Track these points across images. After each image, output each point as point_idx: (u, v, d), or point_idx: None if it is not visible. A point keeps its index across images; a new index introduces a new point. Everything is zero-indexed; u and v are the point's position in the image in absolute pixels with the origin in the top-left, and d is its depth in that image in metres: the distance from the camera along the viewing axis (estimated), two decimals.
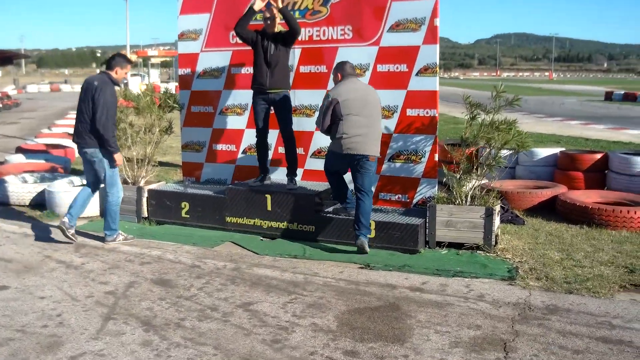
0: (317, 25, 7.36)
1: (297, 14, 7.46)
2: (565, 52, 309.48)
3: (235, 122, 8.19)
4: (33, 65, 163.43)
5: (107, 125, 6.40)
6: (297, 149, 7.30)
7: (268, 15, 7.01)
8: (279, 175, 7.61)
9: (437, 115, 6.94)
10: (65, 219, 6.78)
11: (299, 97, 7.66)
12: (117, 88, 6.71)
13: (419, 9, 6.85)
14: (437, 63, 6.86)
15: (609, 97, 42.28)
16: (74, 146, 13.29)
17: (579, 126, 21.45)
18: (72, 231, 6.81)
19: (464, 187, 6.49)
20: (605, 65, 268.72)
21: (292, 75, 7.49)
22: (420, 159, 7.02)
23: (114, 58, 6.66)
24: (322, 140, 7.36)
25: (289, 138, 7.17)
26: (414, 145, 7.05)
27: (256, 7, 7.03)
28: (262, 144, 7.35)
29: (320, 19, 7.39)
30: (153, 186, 8.09)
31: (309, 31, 7.50)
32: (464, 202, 6.48)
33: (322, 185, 7.30)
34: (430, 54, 6.86)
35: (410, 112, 7.02)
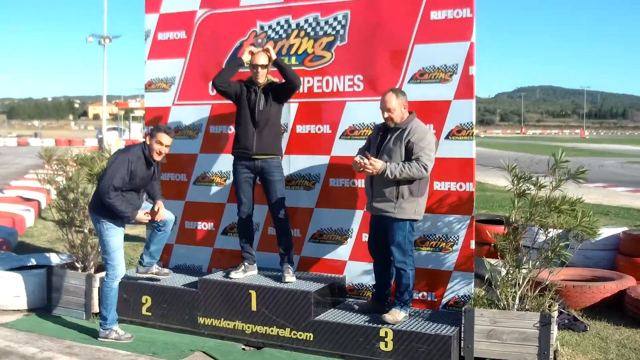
0: (319, 74, 6.93)
1: (293, 60, 7.02)
2: (597, 107, 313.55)
3: (214, 194, 7.64)
4: (3, 115, 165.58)
5: (106, 193, 6.31)
6: (291, 231, 6.83)
7: (258, 62, 6.56)
8: (269, 263, 7.02)
9: (473, 190, 6.36)
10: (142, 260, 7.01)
11: (295, 164, 7.14)
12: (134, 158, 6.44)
13: (449, 54, 6.35)
14: (474, 123, 6.34)
15: None
16: (26, 214, 13.15)
17: (627, 194, 20.86)
18: (154, 269, 7.00)
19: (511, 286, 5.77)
20: None
21: (285, 136, 7.05)
22: (451, 246, 6.42)
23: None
24: (324, 220, 6.97)
25: (282, 217, 6.69)
26: (444, 229, 6.46)
27: (245, 59, 6.68)
28: (245, 224, 6.86)
29: (323, 66, 6.95)
30: (103, 274, 7.16)
31: (308, 81, 7.03)
32: (511, 304, 5.77)
33: (323, 279, 6.72)
34: (465, 111, 6.34)
35: (438, 185, 6.44)
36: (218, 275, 6.85)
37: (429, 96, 6.44)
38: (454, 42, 6.32)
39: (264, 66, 6.58)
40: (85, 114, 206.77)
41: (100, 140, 42.36)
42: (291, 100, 6.89)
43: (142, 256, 7.02)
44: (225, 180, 7.53)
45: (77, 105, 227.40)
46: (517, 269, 5.81)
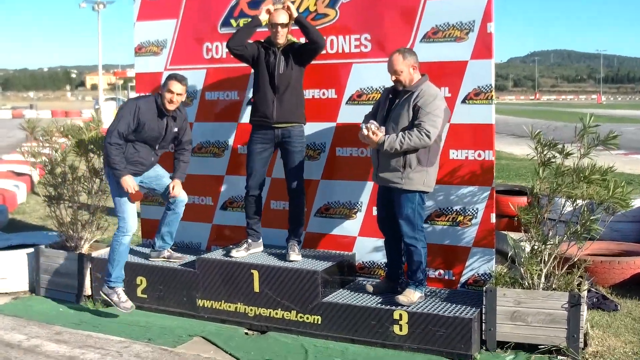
0: (323, 33, 6.58)
1: None
2: (614, 72, 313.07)
3: (212, 165, 7.46)
4: None
5: (109, 136, 6.35)
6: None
7: (278, 21, 6.29)
8: (272, 240, 6.87)
9: (493, 158, 6.14)
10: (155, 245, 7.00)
11: None
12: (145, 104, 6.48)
13: (465, 9, 6.11)
14: (493, 85, 6.11)
15: None
16: (18, 190, 13.06)
17: None
18: (166, 253, 6.96)
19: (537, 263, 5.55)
20: None
21: None
22: (470, 220, 6.23)
23: None
24: (330, 193, 6.83)
25: (298, 190, 6.55)
26: (461, 201, 6.27)
27: (263, 18, 6.37)
28: (255, 200, 6.66)
29: (327, 25, 6.69)
30: (100, 253, 7.29)
31: None
32: (536, 283, 5.56)
33: (331, 257, 6.55)
34: (483, 73, 6.11)
35: (454, 154, 6.25)
36: (217, 254, 6.68)
37: (443, 56, 6.22)
38: None
39: (284, 25, 6.29)
40: (82, 84, 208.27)
41: (97, 112, 42.09)
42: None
43: (155, 239, 6.97)
44: (223, 151, 7.36)
45: (74, 76, 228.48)
46: (543, 245, 5.58)
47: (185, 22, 7.44)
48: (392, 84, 5.79)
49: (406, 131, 5.50)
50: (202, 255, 6.67)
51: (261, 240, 6.75)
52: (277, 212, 6.86)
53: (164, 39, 7.54)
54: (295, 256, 6.37)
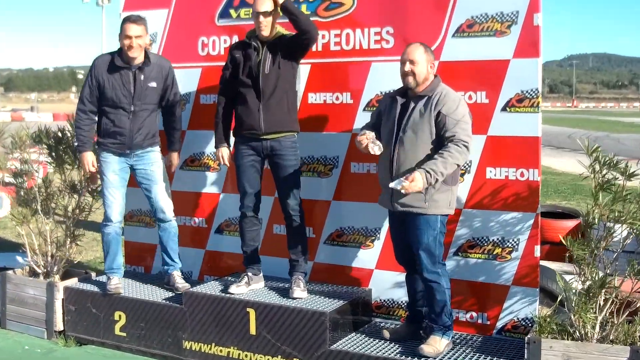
0: (337, 26, 6.44)
1: (303, 9, 6.49)
2: None
3: (207, 181, 7.26)
4: (0, 87, 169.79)
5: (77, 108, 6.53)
6: (306, 231, 6.45)
7: (260, 9, 5.96)
8: (274, 271, 6.65)
9: (539, 179, 5.78)
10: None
11: (306, 144, 6.62)
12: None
13: None
14: (540, 90, 5.76)
15: None
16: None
17: None
18: (171, 278, 6.77)
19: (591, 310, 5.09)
20: None
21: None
22: (509, 252, 5.86)
23: None
24: (344, 216, 6.54)
25: (295, 213, 6.19)
26: (499, 230, 5.92)
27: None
28: (249, 223, 6.35)
29: (343, 15, 6.43)
30: (73, 282, 7.02)
31: (323, 36, 6.53)
32: (590, 333, 5.06)
33: (343, 294, 6.23)
34: (528, 74, 5.75)
35: (491, 172, 5.92)
36: (209, 287, 6.38)
37: (479, 54, 5.89)
38: None
39: (267, 13, 5.91)
40: None
41: None
42: (301, 60, 6.36)
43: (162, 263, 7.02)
44: (220, 165, 7.00)
45: (80, 76, 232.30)
46: (599, 288, 5.11)
47: (177, 13, 7.34)
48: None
49: (441, 152, 5.05)
50: (191, 289, 6.38)
51: (262, 273, 6.50)
52: (282, 238, 6.51)
53: (154, 32, 7.30)
54: (300, 292, 6.01)
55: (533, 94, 5.68)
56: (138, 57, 6.26)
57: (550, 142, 30.68)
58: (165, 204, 6.59)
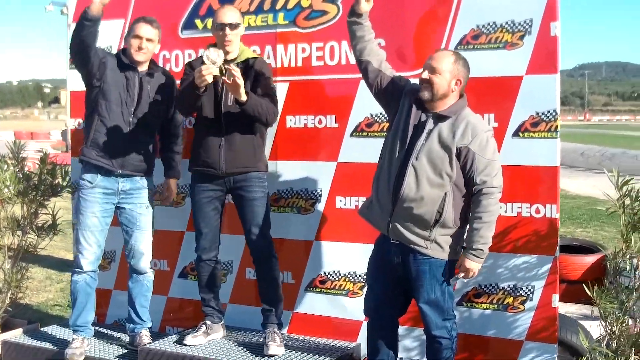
0: (320, 38, 6.24)
1: (281, 19, 6.36)
2: None
3: (169, 218, 7.02)
4: None
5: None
6: (280, 276, 6.18)
7: (224, 20, 5.69)
8: (246, 322, 6.50)
9: (557, 216, 5.56)
10: None
11: (284, 175, 6.52)
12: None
13: (518, 3, 5.62)
14: (558, 111, 5.53)
15: None
16: None
17: None
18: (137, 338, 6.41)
19: None
20: None
21: (270, 133, 6.39)
22: (523, 302, 5.68)
23: None
24: (327, 259, 6.33)
25: (265, 254, 5.96)
26: (510, 276, 5.75)
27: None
28: (206, 266, 6.15)
29: (326, 26, 6.24)
30: (13, 334, 6.82)
31: (303, 50, 6.37)
32: None
33: (328, 349, 6.06)
34: (544, 94, 5.53)
35: (502, 208, 5.60)
36: (167, 343, 6.11)
37: (486, 70, 5.64)
38: None
39: (233, 26, 5.64)
40: (57, 100, 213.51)
41: (64, 134, 42.44)
42: (278, 78, 6.23)
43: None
44: (183, 198, 6.91)
45: (47, 90, 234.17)
46: (631, 348, 4.87)
47: None
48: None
49: (478, 213, 4.76)
50: (145, 346, 6.14)
51: (223, 320, 6.30)
52: (254, 284, 6.32)
53: (108, 45, 7.07)
54: (276, 348, 5.74)
55: (550, 117, 5.46)
56: (144, 64, 6.08)
57: (562, 161, 30.77)
58: (146, 251, 6.31)
